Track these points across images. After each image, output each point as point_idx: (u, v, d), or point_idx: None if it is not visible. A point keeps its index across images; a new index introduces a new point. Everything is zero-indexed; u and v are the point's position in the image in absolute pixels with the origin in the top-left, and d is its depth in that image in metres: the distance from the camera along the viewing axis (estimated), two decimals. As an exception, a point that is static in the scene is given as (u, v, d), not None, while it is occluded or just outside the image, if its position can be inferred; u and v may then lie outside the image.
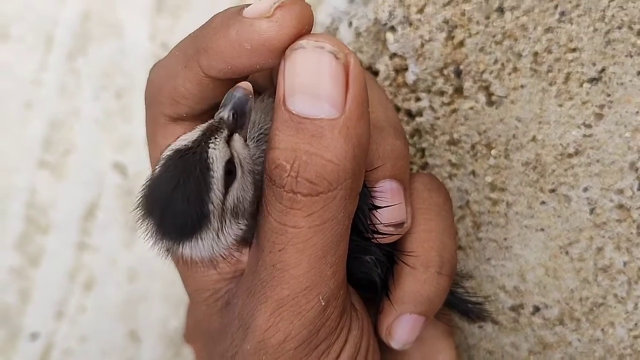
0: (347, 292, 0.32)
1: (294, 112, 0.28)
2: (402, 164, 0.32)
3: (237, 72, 0.30)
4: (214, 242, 0.29)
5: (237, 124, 0.29)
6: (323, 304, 0.29)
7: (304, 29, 0.29)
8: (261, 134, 0.31)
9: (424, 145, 0.40)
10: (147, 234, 0.29)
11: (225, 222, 0.29)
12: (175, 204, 0.28)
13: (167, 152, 0.29)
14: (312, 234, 0.29)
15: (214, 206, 0.28)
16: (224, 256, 0.30)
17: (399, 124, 0.34)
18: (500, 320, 0.41)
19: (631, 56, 0.35)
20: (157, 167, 0.29)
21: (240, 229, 0.30)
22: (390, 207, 0.31)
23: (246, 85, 0.29)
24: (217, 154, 0.28)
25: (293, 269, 0.29)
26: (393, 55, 0.40)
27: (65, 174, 0.62)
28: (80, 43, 0.60)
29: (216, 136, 0.29)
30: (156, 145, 0.33)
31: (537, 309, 0.39)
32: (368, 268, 0.33)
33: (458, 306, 0.36)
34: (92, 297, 0.63)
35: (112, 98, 0.61)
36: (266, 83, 0.34)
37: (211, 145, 0.28)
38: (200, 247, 0.29)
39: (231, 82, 0.31)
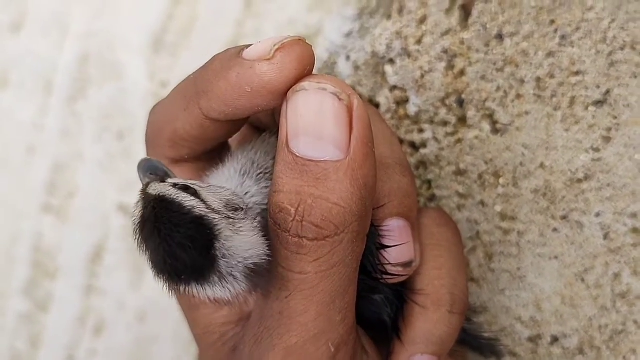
0: (357, 336, 0.31)
1: (297, 154, 0.28)
2: (409, 202, 0.32)
3: (238, 114, 0.30)
4: (238, 234, 0.28)
5: (161, 177, 0.29)
6: (333, 350, 0.29)
7: (305, 70, 0.28)
8: (260, 172, 0.31)
9: (430, 176, 0.39)
10: (187, 289, 0.28)
11: (230, 217, 0.28)
12: (172, 241, 0.27)
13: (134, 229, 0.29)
14: (319, 280, 0.28)
15: (198, 209, 0.27)
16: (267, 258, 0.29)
17: (406, 160, 0.33)
18: (518, 352, 0.40)
19: (636, 77, 0.34)
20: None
21: (255, 220, 0.29)
22: (398, 246, 0.31)
23: (143, 157, 0.30)
24: (156, 186, 0.28)
25: (300, 316, 0.28)
26: (393, 88, 0.39)
27: (70, 217, 0.62)
28: (80, 86, 0.60)
29: (148, 186, 0.29)
30: None
31: (555, 339, 0.38)
32: (377, 307, 0.32)
33: (471, 343, 0.35)
34: (103, 340, 0.62)
35: (114, 139, 0.61)
36: (268, 120, 0.34)
37: (148, 190, 0.28)
38: (231, 245, 0.28)
39: (232, 123, 0.31)
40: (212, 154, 0.33)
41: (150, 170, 0.29)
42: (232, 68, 0.28)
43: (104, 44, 0.60)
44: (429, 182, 0.40)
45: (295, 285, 0.28)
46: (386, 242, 0.31)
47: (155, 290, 0.61)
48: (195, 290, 0.28)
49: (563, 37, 0.35)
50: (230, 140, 0.34)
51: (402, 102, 0.39)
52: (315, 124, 0.28)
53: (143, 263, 0.63)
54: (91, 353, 0.62)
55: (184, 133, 0.31)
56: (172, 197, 0.27)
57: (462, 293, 0.33)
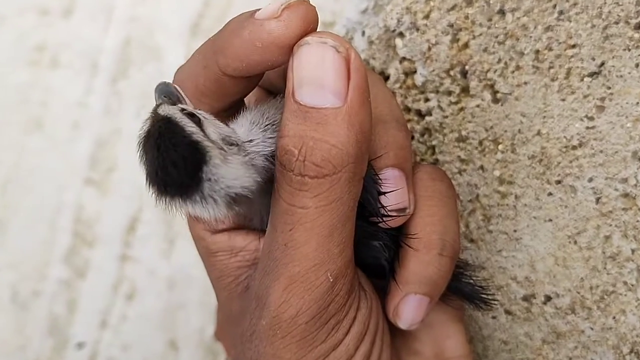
0: (355, 273, 0.34)
1: (301, 102, 0.31)
2: (404, 154, 0.35)
3: (251, 70, 0.33)
4: (226, 164, 0.31)
5: (173, 101, 0.32)
6: (331, 280, 0.32)
7: (309, 27, 0.32)
8: (268, 124, 0.34)
9: (434, 142, 0.42)
10: (170, 203, 0.31)
11: (224, 149, 0.31)
12: (168, 157, 0.30)
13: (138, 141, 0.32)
14: (319, 214, 0.31)
15: (197, 134, 0.30)
16: (250, 190, 0.32)
17: (402, 117, 0.36)
18: (513, 311, 0.42)
19: (629, 49, 0.36)
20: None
21: (247, 156, 0.32)
22: (393, 191, 0.34)
23: (162, 80, 0.33)
24: (165, 108, 0.31)
25: (302, 246, 0.31)
26: (402, 60, 0.42)
27: (110, 190, 0.66)
28: (122, 67, 0.65)
29: (159, 106, 0.32)
30: None
31: (548, 298, 0.40)
32: (376, 252, 0.35)
33: (463, 290, 0.38)
34: (134, 306, 0.66)
35: (151, 117, 0.65)
36: (280, 83, 0.37)
37: (158, 110, 0.31)
38: (217, 172, 0.31)
39: (247, 80, 0.34)
40: (230, 112, 0.37)
41: (165, 93, 0.32)
42: (245, 27, 0.32)
43: (145, 28, 0.64)
44: (433, 147, 0.42)
45: (297, 218, 0.31)
46: (383, 189, 0.34)
47: (184, 260, 0.65)
48: (178, 204, 0.31)
49: (561, 12, 0.37)
50: (246, 100, 0.38)
51: (410, 72, 0.42)
52: (317, 74, 0.31)
53: (174, 234, 0.66)
54: (122, 318, 0.66)
55: (204, 89, 0.34)
56: (176, 120, 0.31)
57: (453, 239, 0.35)
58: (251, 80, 0.34)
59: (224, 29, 0.33)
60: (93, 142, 0.66)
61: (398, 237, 0.35)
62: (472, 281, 0.38)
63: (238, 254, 0.37)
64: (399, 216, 0.34)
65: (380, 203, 0.34)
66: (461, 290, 0.37)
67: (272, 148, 0.33)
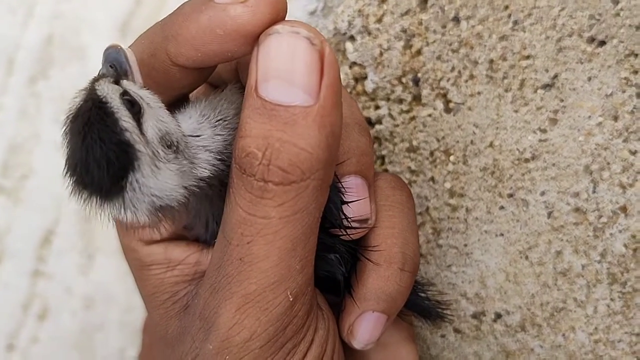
0: (314, 290, 0.31)
1: (266, 99, 0.27)
2: (367, 160, 0.32)
3: (207, 61, 0.29)
4: (155, 175, 0.27)
5: (120, 73, 0.29)
6: (291, 299, 0.29)
7: (279, 15, 0.28)
8: (220, 119, 0.31)
9: (384, 152, 0.40)
10: (86, 201, 0.28)
11: (159, 154, 0.28)
12: (92, 152, 0.26)
13: (64, 120, 0.28)
14: (282, 225, 0.28)
15: (130, 134, 0.27)
16: (178, 202, 0.28)
17: (364, 121, 0.34)
18: (462, 329, 0.40)
19: (582, 62, 0.36)
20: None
21: (182, 164, 0.29)
22: (356, 202, 0.31)
23: (114, 43, 0.29)
24: (105, 86, 0.27)
25: (261, 262, 0.28)
26: (353, 64, 0.40)
27: (22, 199, 0.61)
28: (42, 66, 0.60)
29: (99, 82, 0.28)
30: None
31: (498, 316, 0.39)
32: (332, 266, 0.32)
33: (419, 305, 0.36)
34: (46, 327, 0.61)
35: (73, 122, 0.60)
36: (230, 77, 0.34)
37: (96, 86, 0.28)
38: (144, 182, 0.27)
39: (198, 72, 0.31)
40: (172, 108, 0.33)
41: (114, 62, 0.29)
42: (203, 11, 0.28)
43: (70, 26, 0.60)
44: (383, 157, 0.40)
45: (257, 229, 0.28)
46: (346, 198, 0.31)
47: (103, 276, 0.60)
48: (95, 203, 0.28)
49: (516, 22, 0.37)
50: (191, 95, 0.34)
51: (361, 78, 0.40)
52: (286, 68, 0.27)
53: (94, 248, 0.61)
54: (33, 340, 0.61)
55: (149, 79, 0.30)
56: (112, 108, 0.27)
57: (414, 253, 0.33)
58: (203, 73, 0.31)
59: (176, 12, 0.30)
60: (6, 146, 0.61)
61: (355, 250, 0.33)
62: (427, 295, 0.36)
63: (176, 267, 0.33)
64: (362, 228, 0.32)
65: (344, 213, 0.31)
66: (417, 305, 0.35)
67: (220, 146, 0.30)
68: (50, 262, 0.61)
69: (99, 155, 0.26)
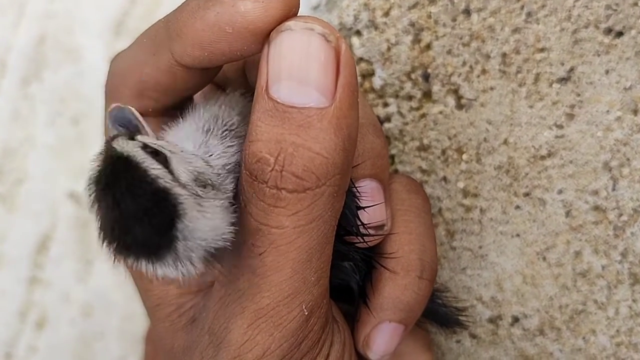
0: (330, 302, 0.30)
1: (278, 100, 0.26)
2: (382, 163, 0.31)
3: (214, 60, 0.27)
4: (204, 216, 0.25)
5: (132, 131, 0.27)
6: (306, 313, 0.27)
7: (291, 11, 0.26)
8: (225, 130, 0.29)
9: (394, 151, 0.39)
10: (135, 264, 0.25)
11: (199, 194, 0.25)
12: (126, 209, 0.24)
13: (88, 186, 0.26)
14: (297, 235, 0.26)
15: (164, 180, 0.25)
16: (230, 242, 0.26)
17: (378, 122, 0.32)
18: (478, 334, 0.39)
19: (599, 55, 0.35)
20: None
21: (223, 199, 0.26)
22: (372, 207, 0.29)
23: (115, 104, 0.27)
24: (122, 143, 0.25)
25: (275, 274, 0.26)
26: (359, 60, 0.39)
27: (18, 205, 0.59)
28: (35, 68, 0.58)
29: (115, 140, 0.26)
30: None
31: (516, 320, 0.38)
32: (346, 275, 0.31)
33: (436, 313, 0.34)
34: (44, 336, 0.59)
35: (67, 124, 0.59)
36: (235, 77, 0.32)
37: (114, 145, 0.25)
38: (194, 227, 0.25)
39: (204, 72, 0.29)
40: (176, 110, 0.31)
41: (121, 122, 0.27)
42: (210, 7, 0.26)
43: (63, 26, 0.58)
44: (392, 157, 0.39)
45: (271, 240, 0.26)
46: (362, 203, 0.29)
47: (102, 283, 0.59)
48: (144, 266, 0.25)
49: (529, 14, 0.35)
50: (195, 96, 0.33)
51: (368, 75, 0.39)
52: (300, 67, 0.26)
53: (92, 254, 0.60)
54: (31, 350, 0.59)
55: (151, 81, 0.29)
56: (137, 161, 0.25)
57: (432, 260, 0.31)
58: (209, 73, 0.29)
59: (181, 8, 0.28)
60: (-1, 151, 0.59)
61: (370, 257, 0.31)
62: (443, 302, 0.34)
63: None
64: (378, 235, 0.30)
65: (360, 220, 0.29)
66: (434, 313, 0.34)
67: (238, 157, 0.28)
68: (48, 268, 0.59)
69: (137, 210, 0.24)
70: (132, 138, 0.26)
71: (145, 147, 0.26)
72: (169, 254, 0.25)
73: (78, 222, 0.59)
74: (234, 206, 0.27)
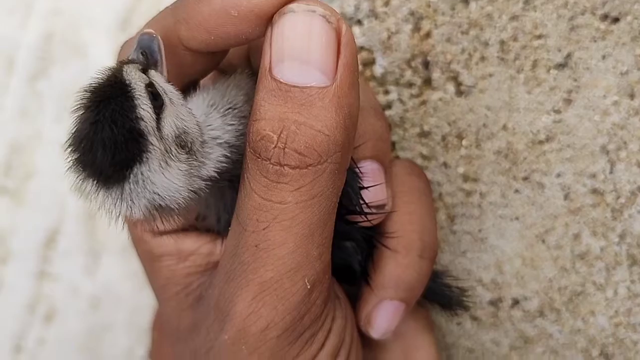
0: (331, 279, 0.30)
1: (281, 80, 0.27)
2: (383, 145, 0.32)
3: (220, 44, 0.28)
4: (163, 172, 0.26)
5: (149, 62, 0.28)
6: (309, 287, 0.28)
7: None
8: (229, 107, 0.30)
9: (395, 138, 0.39)
10: (81, 183, 0.26)
11: (171, 151, 0.26)
12: (101, 131, 0.25)
13: (80, 93, 0.27)
14: (299, 210, 0.27)
15: (146, 124, 0.26)
16: (178, 204, 0.27)
17: (379, 105, 0.33)
18: (479, 316, 0.39)
19: (595, 41, 0.35)
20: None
21: (193, 166, 0.27)
22: (374, 186, 0.30)
23: (148, 29, 0.28)
24: (132, 75, 0.26)
25: (278, 248, 0.27)
26: (360, 49, 0.39)
27: (26, 200, 0.60)
28: (43, 65, 0.59)
29: (128, 66, 0.27)
30: None
31: (516, 302, 0.38)
32: (348, 254, 0.31)
33: (438, 294, 0.35)
34: (53, 329, 0.60)
35: (75, 120, 0.59)
36: (241, 63, 0.33)
37: (124, 70, 0.26)
38: (149, 176, 0.26)
39: (211, 57, 0.30)
40: (187, 92, 0.32)
41: (146, 49, 0.27)
42: None
43: (69, 23, 0.59)
44: (394, 143, 0.40)
45: (274, 215, 0.27)
46: (363, 183, 0.30)
47: (110, 276, 0.60)
48: (90, 187, 0.26)
49: (526, 2, 0.36)
50: (202, 82, 0.33)
51: (369, 63, 0.39)
52: (302, 48, 0.26)
53: (100, 247, 0.61)
54: (40, 342, 0.60)
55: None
56: (134, 94, 0.26)
57: (432, 240, 0.32)
58: (215, 57, 0.30)
59: None
60: (8, 147, 0.60)
61: (371, 237, 0.32)
62: (446, 282, 0.35)
63: (188, 258, 0.32)
64: (380, 213, 0.31)
65: (362, 199, 0.30)
66: (436, 294, 0.35)
67: (233, 137, 0.29)
68: (56, 262, 0.60)
69: (108, 136, 0.25)
70: (144, 71, 0.27)
71: (150, 85, 0.27)
72: (115, 188, 0.26)
73: (85, 215, 0.60)
74: (202, 178, 0.28)
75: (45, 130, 0.60)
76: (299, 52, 0.26)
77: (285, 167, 0.26)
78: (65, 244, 0.60)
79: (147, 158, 0.26)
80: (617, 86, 0.35)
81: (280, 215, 0.27)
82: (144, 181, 0.26)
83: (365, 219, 0.30)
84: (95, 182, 0.26)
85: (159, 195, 0.27)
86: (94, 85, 0.26)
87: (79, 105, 0.26)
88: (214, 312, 0.29)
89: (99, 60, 0.59)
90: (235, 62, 0.33)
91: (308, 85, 0.26)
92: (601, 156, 0.36)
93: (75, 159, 0.26)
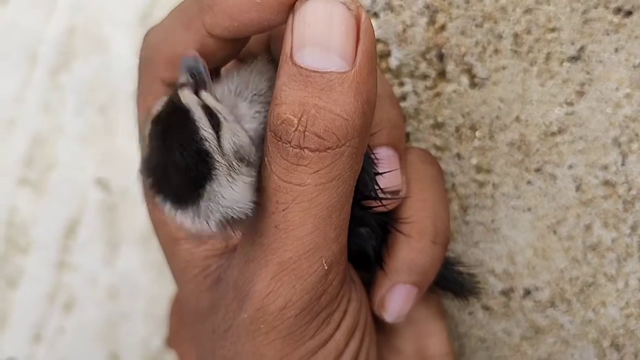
0: (347, 262, 0.31)
1: (302, 65, 0.27)
2: (398, 133, 0.32)
3: (244, 31, 0.29)
4: (231, 186, 0.28)
5: (199, 83, 0.29)
6: (326, 267, 0.28)
7: None
8: (255, 94, 0.30)
9: (409, 129, 0.40)
10: (153, 202, 0.28)
11: (234, 166, 0.28)
12: (171, 155, 0.27)
13: (146, 128, 0.29)
14: (318, 192, 0.28)
15: (210, 144, 0.27)
16: (247, 215, 0.28)
17: (394, 95, 0.34)
18: (491, 306, 0.40)
19: (608, 34, 0.36)
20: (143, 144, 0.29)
21: (252, 176, 0.29)
22: (389, 172, 0.31)
23: (191, 51, 0.29)
24: (187, 96, 0.28)
25: (297, 229, 0.28)
26: (376, 42, 0.40)
27: (47, 191, 0.61)
28: (65, 59, 0.60)
29: (182, 90, 0.28)
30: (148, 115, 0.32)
31: (527, 292, 0.39)
32: (363, 240, 0.32)
33: (450, 281, 0.35)
34: (72, 318, 0.61)
35: (95, 113, 0.61)
36: (261, 51, 0.34)
37: (179, 94, 0.28)
38: (219, 192, 0.28)
39: (233, 44, 0.31)
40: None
41: (192, 70, 0.29)
42: None
43: (91, 17, 0.60)
44: (408, 134, 0.40)
45: (293, 196, 0.28)
46: (379, 169, 0.31)
47: (128, 266, 0.61)
48: (167, 209, 0.28)
49: (540, -5, 0.37)
50: (223, 70, 0.34)
51: (385, 55, 0.40)
52: (322, 34, 0.27)
53: (119, 238, 0.62)
54: (59, 331, 0.61)
55: (184, 52, 0.30)
56: (194, 118, 0.27)
57: (445, 226, 0.33)
58: (237, 45, 0.31)
59: None
60: (30, 140, 0.61)
61: (386, 223, 0.32)
62: (458, 270, 0.35)
63: (207, 241, 0.33)
64: (394, 199, 0.32)
65: (378, 184, 0.31)
66: (448, 280, 0.35)
67: (255, 126, 0.30)
68: (76, 252, 0.61)
69: (179, 161, 0.27)
70: (196, 92, 0.29)
71: (205, 106, 0.28)
72: (191, 207, 0.28)
73: (105, 207, 0.61)
74: (257, 184, 0.29)
75: (66, 123, 0.61)
76: (320, 38, 0.27)
77: (305, 149, 0.27)
78: (85, 234, 0.61)
79: (215, 175, 0.28)
80: (630, 79, 0.35)
81: (299, 197, 0.28)
82: (216, 197, 0.28)
83: (380, 204, 0.31)
84: (171, 203, 0.28)
85: (229, 208, 0.28)
86: (156, 114, 0.28)
87: (147, 135, 0.28)
88: (232, 292, 0.30)
89: (120, 54, 0.60)
90: (255, 50, 0.34)
91: (328, 70, 0.27)
92: (613, 148, 0.36)
93: (150, 184, 0.28)
